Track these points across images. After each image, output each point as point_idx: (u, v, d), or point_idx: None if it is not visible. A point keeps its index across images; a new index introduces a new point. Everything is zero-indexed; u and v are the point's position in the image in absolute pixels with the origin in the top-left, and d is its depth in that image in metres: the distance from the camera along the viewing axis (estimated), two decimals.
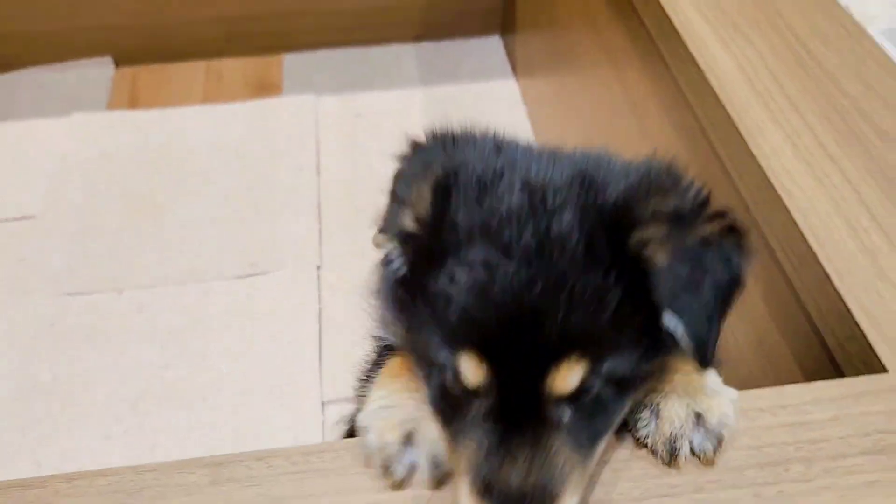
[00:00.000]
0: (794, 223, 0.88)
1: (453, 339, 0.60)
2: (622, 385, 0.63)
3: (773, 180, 0.93)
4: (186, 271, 1.90)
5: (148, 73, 2.39)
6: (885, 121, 1.00)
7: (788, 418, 0.72)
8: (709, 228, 0.65)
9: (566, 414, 0.61)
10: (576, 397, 0.61)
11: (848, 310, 0.80)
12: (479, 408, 0.61)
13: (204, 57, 2.42)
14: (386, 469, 0.66)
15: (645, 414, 0.68)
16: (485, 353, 0.60)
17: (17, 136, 2.21)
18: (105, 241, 1.95)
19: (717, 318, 0.64)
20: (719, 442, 0.68)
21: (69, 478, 0.68)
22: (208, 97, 2.33)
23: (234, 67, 2.42)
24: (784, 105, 1.03)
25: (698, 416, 0.67)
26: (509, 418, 0.60)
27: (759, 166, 0.95)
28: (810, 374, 0.87)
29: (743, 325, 1.04)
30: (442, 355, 0.61)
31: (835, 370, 0.83)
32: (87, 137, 2.19)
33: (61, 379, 1.70)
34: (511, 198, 0.62)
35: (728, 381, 0.73)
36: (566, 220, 0.61)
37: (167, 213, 2.03)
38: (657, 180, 0.66)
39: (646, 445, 0.69)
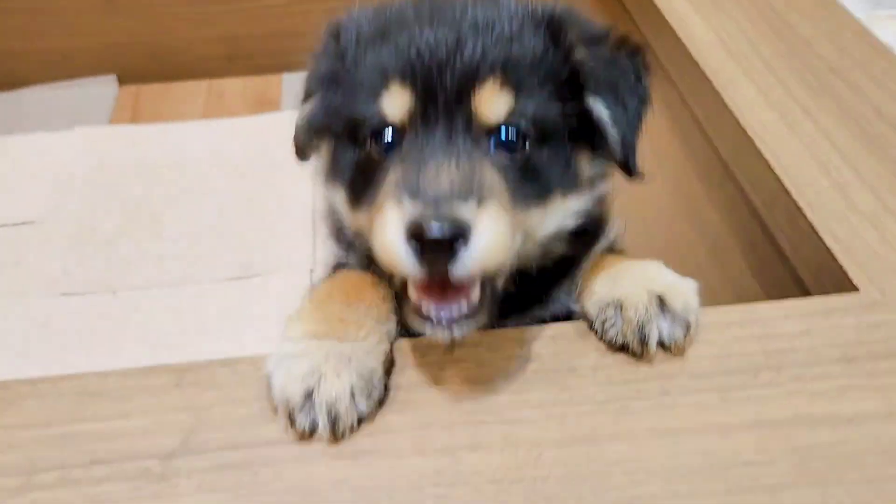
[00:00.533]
0: (768, 165, 0.89)
1: (375, 88, 0.64)
2: (551, 143, 0.66)
3: (745, 127, 0.94)
4: (181, 274, 1.91)
5: (151, 92, 2.44)
6: (859, 78, 1.01)
7: (758, 331, 0.71)
8: (618, 46, 0.73)
9: (493, 148, 0.63)
10: (506, 137, 0.63)
11: (820, 238, 0.80)
12: (400, 152, 0.62)
13: (206, 76, 2.47)
14: (290, 420, 0.63)
15: (609, 311, 0.68)
16: (408, 80, 0.62)
17: (21, 148, 2.24)
18: (101, 246, 1.97)
19: (636, 124, 0.70)
20: (687, 328, 0.67)
21: (33, 382, 0.68)
22: (209, 114, 2.37)
23: (234, 86, 2.47)
24: (758, 65, 1.04)
25: (661, 301, 0.67)
26: (435, 148, 0.60)
27: (733, 116, 0.96)
28: None
29: (714, 266, 1.04)
30: (364, 108, 0.64)
31: None
32: (88, 149, 2.22)
33: None
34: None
35: None
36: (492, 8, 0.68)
37: (164, 221, 2.05)
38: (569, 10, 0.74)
39: (622, 348, 0.69)
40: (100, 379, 0.68)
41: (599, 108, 0.68)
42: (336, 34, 0.73)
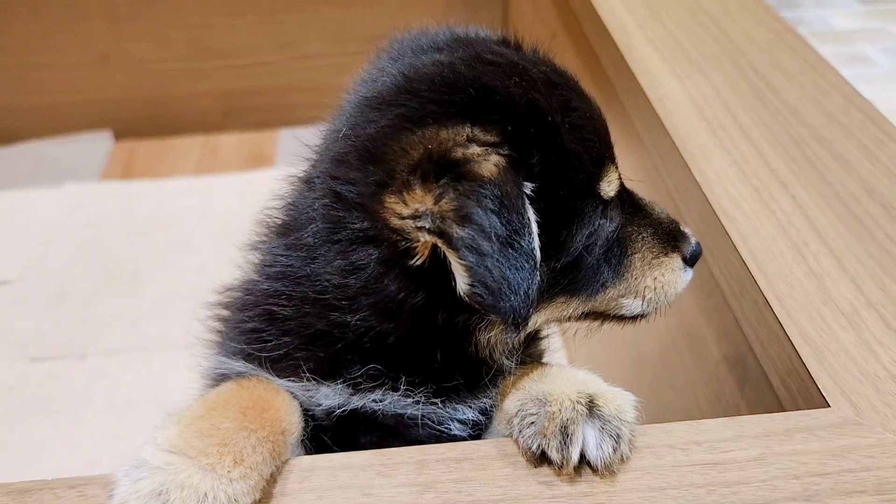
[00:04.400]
0: (734, 247, 0.78)
1: (591, 167, 0.66)
2: None
3: (712, 203, 0.83)
4: (155, 338, 1.83)
5: (146, 147, 2.40)
6: (846, 149, 0.91)
7: (703, 456, 0.60)
8: None
9: None
10: None
11: (788, 338, 0.69)
12: (618, 219, 0.69)
13: (202, 132, 2.43)
14: None
15: (530, 406, 0.58)
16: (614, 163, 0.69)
17: (9, 205, 2.21)
18: (77, 307, 1.90)
19: None
20: (618, 441, 0.57)
21: None
22: (202, 170, 2.32)
23: (230, 142, 2.42)
24: (734, 133, 0.94)
25: (592, 403, 0.57)
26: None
27: (700, 190, 0.85)
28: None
29: (690, 353, 0.92)
30: (586, 177, 0.65)
31: (781, 407, 0.71)
32: (75, 206, 2.18)
33: (9, 448, 1.61)
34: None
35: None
36: None
37: (145, 282, 1.98)
38: None
39: (541, 458, 0.58)
40: None
41: None
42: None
